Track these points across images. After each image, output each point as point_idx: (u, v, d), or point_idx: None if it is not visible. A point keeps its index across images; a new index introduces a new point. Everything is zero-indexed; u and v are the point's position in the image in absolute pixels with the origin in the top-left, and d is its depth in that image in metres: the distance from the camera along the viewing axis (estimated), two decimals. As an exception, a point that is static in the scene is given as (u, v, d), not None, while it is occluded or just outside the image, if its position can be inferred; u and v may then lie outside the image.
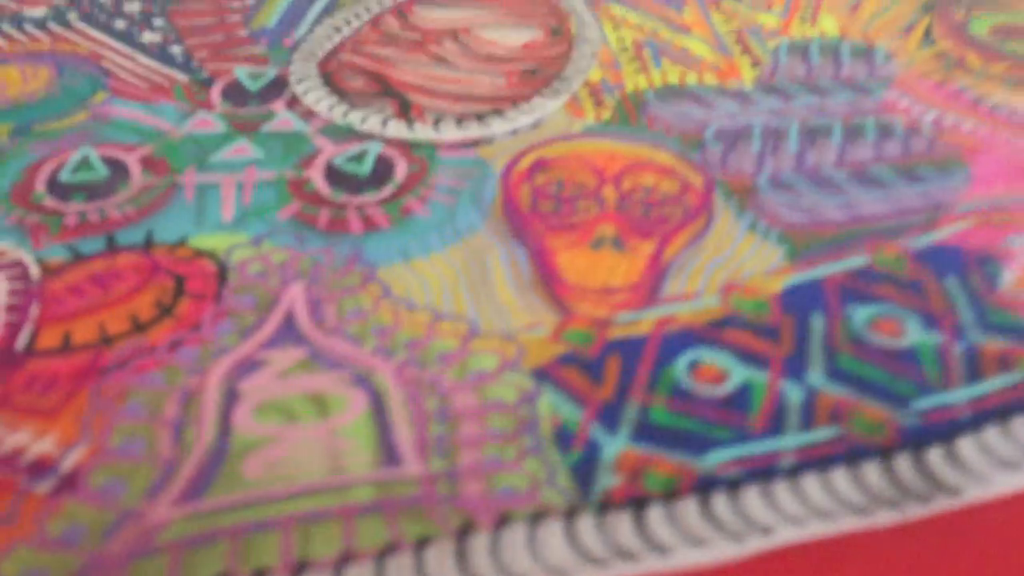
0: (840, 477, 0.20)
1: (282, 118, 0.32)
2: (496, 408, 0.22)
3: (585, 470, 0.21)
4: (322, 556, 0.19)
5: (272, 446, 0.21)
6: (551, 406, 0.22)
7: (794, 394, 0.22)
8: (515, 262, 0.27)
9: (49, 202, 0.28)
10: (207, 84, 0.33)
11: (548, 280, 0.26)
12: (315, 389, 0.22)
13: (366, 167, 0.30)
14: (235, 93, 0.33)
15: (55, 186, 0.28)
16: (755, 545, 0.19)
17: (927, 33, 0.37)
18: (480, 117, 0.32)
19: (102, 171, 0.29)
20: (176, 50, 0.36)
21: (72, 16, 0.37)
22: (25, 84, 0.33)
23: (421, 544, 0.19)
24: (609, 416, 0.22)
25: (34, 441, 0.21)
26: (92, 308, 0.24)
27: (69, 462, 0.21)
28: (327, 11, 0.38)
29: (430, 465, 0.21)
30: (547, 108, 0.33)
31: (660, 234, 0.27)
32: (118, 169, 0.29)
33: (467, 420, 0.22)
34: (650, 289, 0.26)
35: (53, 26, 0.36)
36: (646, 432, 0.22)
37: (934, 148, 0.31)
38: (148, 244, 0.26)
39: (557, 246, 0.27)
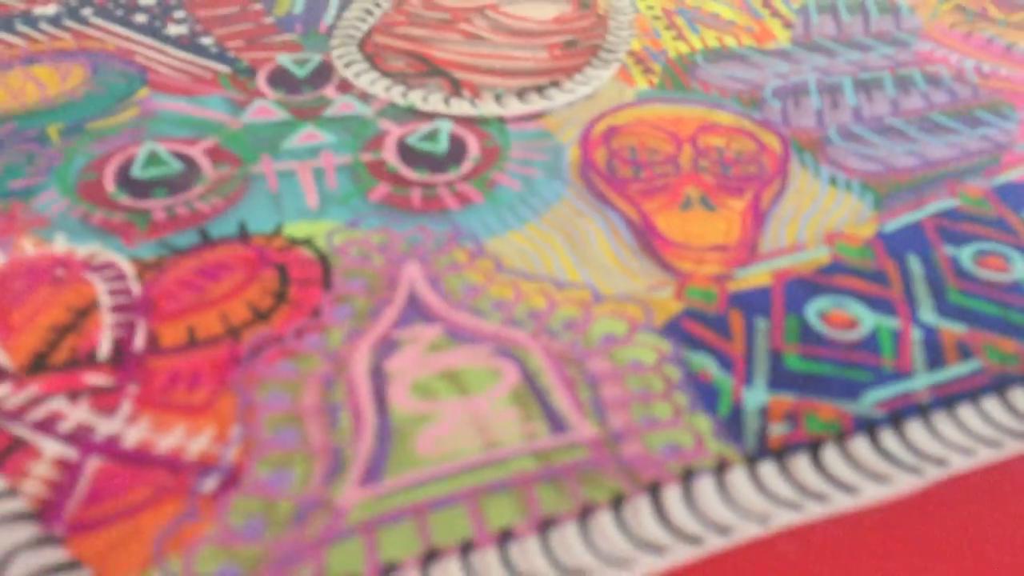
0: (994, 406, 0.21)
1: (343, 102, 0.31)
2: (634, 370, 0.22)
3: (737, 421, 0.21)
4: (516, 524, 0.19)
5: (435, 423, 0.21)
6: (695, 363, 0.22)
7: (918, 333, 0.23)
8: (613, 227, 0.27)
9: (127, 200, 0.27)
10: (250, 73, 0.32)
11: (654, 242, 0.26)
12: (461, 364, 0.22)
13: (442, 145, 0.29)
14: (283, 80, 0.32)
15: (129, 183, 0.27)
16: (933, 475, 0.20)
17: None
18: (539, 90, 0.32)
19: (175, 165, 0.28)
20: (207, 41, 0.35)
21: (87, 12, 0.36)
22: (63, 83, 0.31)
23: (616, 503, 0.19)
24: (745, 367, 0.22)
25: (189, 439, 0.20)
26: (208, 301, 0.24)
27: (229, 457, 0.20)
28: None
29: (594, 429, 0.21)
30: (602, 78, 0.33)
31: (748, 191, 0.28)
32: (187, 162, 0.28)
33: (607, 384, 0.22)
34: (754, 243, 0.26)
35: (70, 23, 0.35)
36: (784, 379, 0.22)
37: (979, 94, 0.32)
38: (243, 235, 0.26)
39: (649, 209, 0.27)
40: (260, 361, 0.22)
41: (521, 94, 0.32)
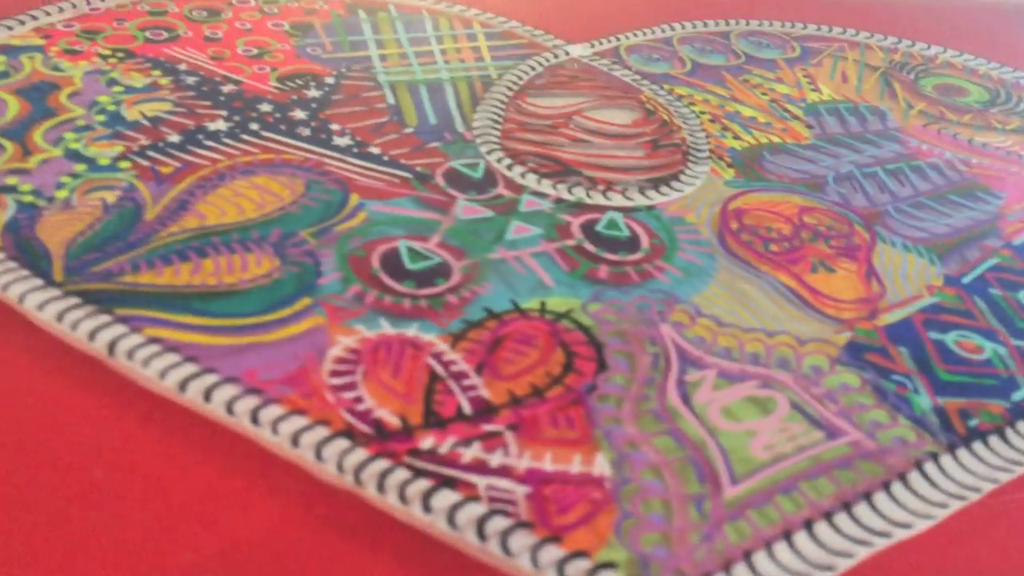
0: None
1: (527, 199, 0.39)
2: (846, 391, 0.31)
3: (926, 419, 0.31)
4: (832, 501, 0.27)
5: (755, 436, 0.29)
6: (885, 382, 0.32)
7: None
8: (768, 289, 0.36)
9: (414, 288, 0.33)
10: (428, 178, 0.39)
11: (813, 298, 0.36)
12: (746, 395, 0.31)
13: (624, 231, 0.38)
14: (459, 182, 0.39)
15: (405, 273, 0.34)
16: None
17: (901, 96, 0.51)
18: (663, 183, 0.41)
19: (435, 258, 0.35)
20: (374, 150, 0.41)
21: (255, 127, 0.41)
22: (293, 192, 0.37)
23: (886, 484, 0.28)
24: (920, 382, 0.32)
25: (570, 464, 0.27)
26: (526, 368, 0.31)
27: (609, 474, 0.27)
28: (466, 104, 0.45)
29: (850, 430, 0.30)
30: (706, 170, 0.42)
31: (854, 258, 0.38)
32: (435, 256, 0.35)
33: (833, 402, 0.31)
34: (882, 294, 0.36)
35: (248, 137, 0.40)
36: (948, 389, 0.32)
37: (965, 178, 0.44)
38: (519, 309, 0.33)
39: (795, 273, 0.37)
40: (593, 399, 0.29)
41: (642, 188, 0.41)
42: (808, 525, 0.26)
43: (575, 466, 0.27)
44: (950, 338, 0.34)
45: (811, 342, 0.33)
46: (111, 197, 0.35)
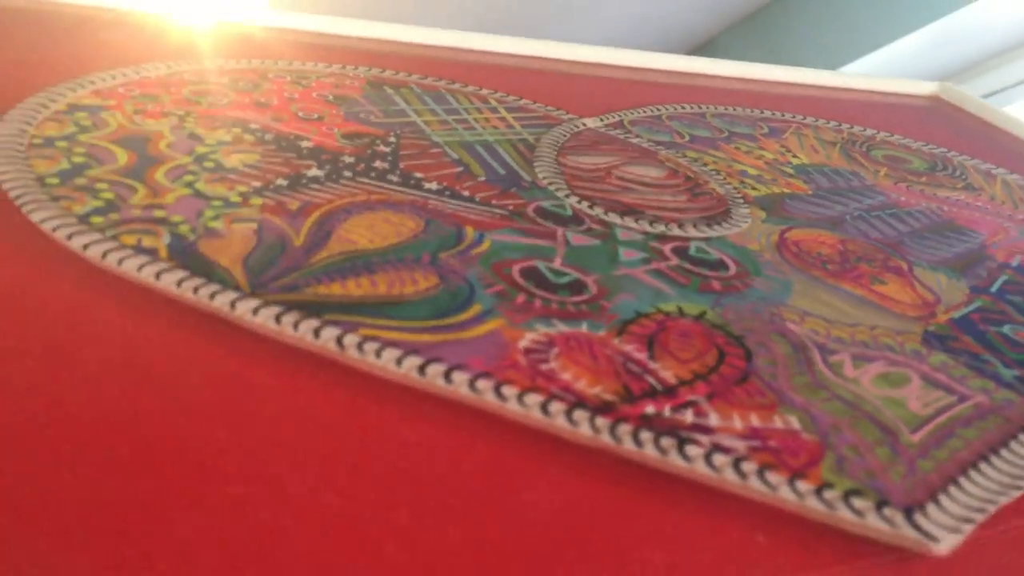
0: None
1: (622, 230, 0.43)
2: (945, 367, 0.37)
3: (1015, 384, 0.37)
4: (977, 442, 0.32)
5: (908, 399, 0.34)
6: (975, 361, 0.38)
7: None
8: (848, 295, 0.41)
9: (567, 297, 0.36)
10: (523, 214, 0.43)
11: (884, 301, 0.41)
12: (882, 371, 0.35)
13: (712, 255, 0.42)
14: (554, 218, 0.43)
15: (555, 286, 0.37)
16: None
17: (863, 163, 0.60)
18: (716, 221, 0.47)
19: (572, 274, 0.38)
20: (465, 193, 0.44)
21: (348, 174, 0.44)
22: (417, 225, 0.40)
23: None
24: (991, 359, 0.38)
25: (783, 424, 0.31)
26: (695, 355, 0.34)
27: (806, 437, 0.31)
28: (518, 161, 0.49)
29: (972, 394, 0.35)
30: (747, 211, 0.48)
31: (895, 273, 0.44)
32: (569, 273, 0.38)
33: (943, 375, 0.37)
34: (937, 300, 0.42)
35: (347, 182, 0.43)
36: (1011, 364, 0.38)
37: (944, 220, 0.53)
38: (662, 311, 0.37)
39: (858, 286, 0.43)
40: (759, 375, 0.33)
41: (696, 224, 0.46)
42: (977, 460, 0.31)
43: (777, 423, 0.31)
44: (1006, 330, 0.40)
45: (902, 333, 0.38)
46: (254, 226, 0.37)
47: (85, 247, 0.33)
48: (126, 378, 0.27)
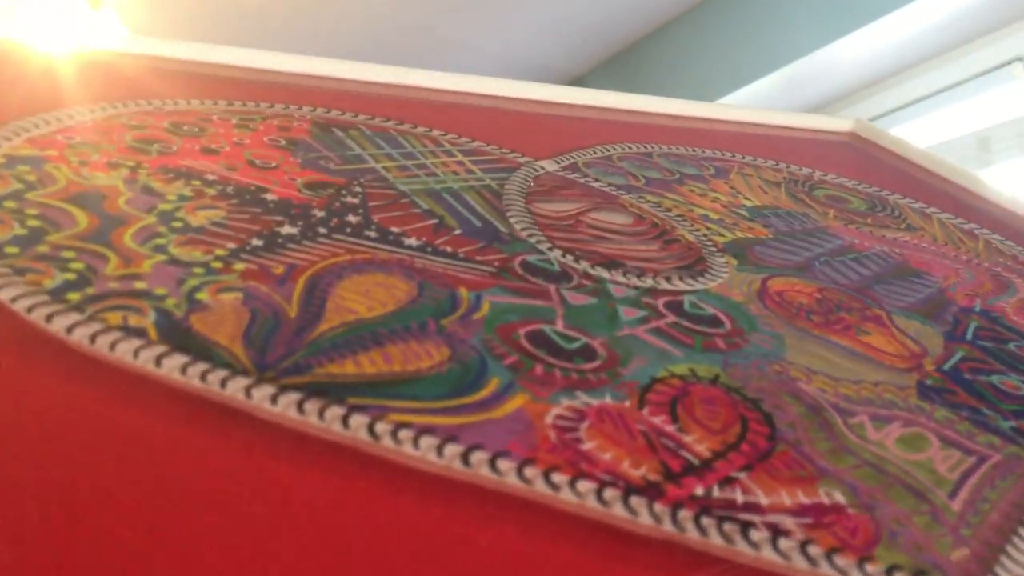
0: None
1: (614, 286, 0.42)
2: (950, 422, 0.38)
3: (1016, 437, 0.37)
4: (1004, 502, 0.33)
5: (934, 461, 0.34)
6: (976, 413, 0.38)
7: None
8: (839, 347, 0.42)
9: (583, 364, 0.35)
10: (506, 272, 0.42)
11: (873, 353, 0.42)
12: (901, 432, 0.35)
13: (706, 310, 0.42)
14: (543, 274, 0.42)
15: (567, 352, 0.35)
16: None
17: (810, 204, 0.61)
18: (695, 271, 0.46)
19: (580, 339, 0.37)
20: (447, 248, 0.43)
21: (323, 230, 0.41)
22: (411, 287, 0.37)
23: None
24: (989, 412, 0.39)
25: (811, 497, 0.31)
26: (724, 425, 0.34)
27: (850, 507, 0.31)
28: (487, 209, 0.48)
29: (984, 451, 0.36)
30: (724, 260, 0.48)
31: (876, 323, 0.45)
32: (578, 337, 0.37)
33: (952, 432, 0.37)
34: (924, 352, 0.43)
35: (325, 240, 0.40)
36: (1009, 415, 0.39)
37: (899, 263, 0.54)
38: (676, 375, 0.36)
39: (845, 337, 0.43)
40: (790, 443, 0.33)
41: (682, 276, 0.46)
42: (1014, 524, 0.31)
43: (825, 497, 0.30)
44: (995, 380, 0.41)
45: (903, 389, 0.39)
46: (241, 296, 0.34)
47: (68, 330, 0.29)
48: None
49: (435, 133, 0.57)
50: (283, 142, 0.50)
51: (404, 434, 0.28)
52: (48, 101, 0.47)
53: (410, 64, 0.65)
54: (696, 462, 0.31)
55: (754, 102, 2.44)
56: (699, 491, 0.29)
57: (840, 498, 0.30)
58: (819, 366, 0.39)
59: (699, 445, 0.31)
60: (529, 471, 0.28)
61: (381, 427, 0.28)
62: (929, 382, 0.40)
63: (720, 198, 0.57)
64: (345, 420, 0.28)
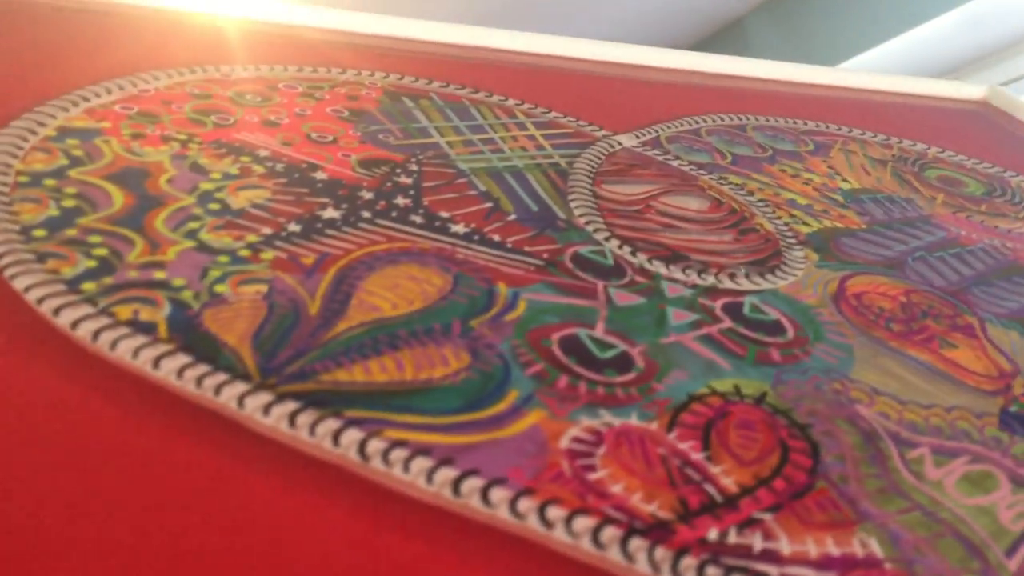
0: None
1: (670, 285, 0.39)
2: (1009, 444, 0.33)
3: None
4: None
5: (998, 509, 0.30)
6: None
7: None
8: (915, 363, 0.38)
9: (613, 377, 0.33)
10: (555, 265, 0.39)
11: (954, 370, 0.37)
12: (966, 470, 0.32)
13: (769, 315, 0.38)
14: (593, 269, 0.39)
15: (600, 363, 0.33)
16: None
17: (918, 187, 0.55)
18: (767, 267, 0.43)
19: (618, 346, 0.34)
20: (495, 238, 0.40)
21: (367, 214, 0.40)
22: (445, 281, 0.36)
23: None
24: None
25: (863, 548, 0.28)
26: (761, 454, 0.31)
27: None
28: (549, 191, 0.45)
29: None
30: (802, 255, 0.44)
31: (965, 334, 0.40)
32: (615, 344, 0.35)
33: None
34: (1016, 372, 0.38)
35: (367, 226, 0.39)
36: None
37: (1009, 260, 0.48)
38: (717, 392, 0.33)
39: (925, 350, 0.39)
40: (832, 479, 0.30)
41: (748, 273, 0.42)
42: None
43: (856, 548, 0.27)
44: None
45: (981, 417, 0.35)
46: (263, 289, 0.33)
47: (74, 325, 0.29)
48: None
49: (510, 103, 0.54)
50: (346, 113, 0.48)
51: (396, 455, 0.27)
52: (115, 66, 0.47)
53: (542, 24, 0.63)
54: (719, 499, 0.28)
55: (905, 56, 2.27)
56: (712, 535, 0.26)
57: (876, 549, 0.27)
58: (887, 385, 0.35)
59: (726, 478, 0.29)
60: (524, 504, 0.26)
61: (373, 445, 0.27)
62: (1014, 408, 0.36)
63: (814, 179, 0.53)
64: (337, 437, 0.27)
